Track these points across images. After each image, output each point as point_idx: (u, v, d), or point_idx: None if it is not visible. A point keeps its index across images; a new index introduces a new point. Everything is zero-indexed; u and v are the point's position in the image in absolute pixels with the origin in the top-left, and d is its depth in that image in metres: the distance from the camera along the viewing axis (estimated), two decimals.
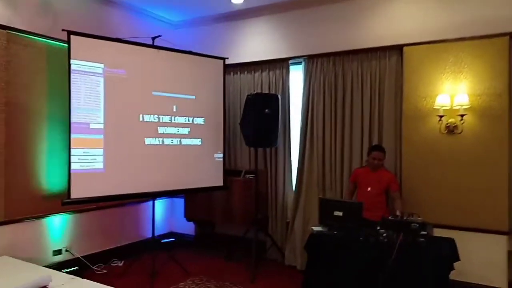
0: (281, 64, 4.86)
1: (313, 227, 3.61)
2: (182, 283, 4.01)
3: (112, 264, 4.52)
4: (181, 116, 4.26)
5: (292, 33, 4.77)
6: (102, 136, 3.72)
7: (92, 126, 3.67)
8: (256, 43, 5.01)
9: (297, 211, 4.65)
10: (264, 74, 5.00)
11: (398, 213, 3.39)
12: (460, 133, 3.80)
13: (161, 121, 4.11)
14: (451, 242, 3.44)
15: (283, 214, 4.82)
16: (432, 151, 3.94)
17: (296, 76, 4.85)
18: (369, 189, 3.87)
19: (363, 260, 3.26)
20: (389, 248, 3.14)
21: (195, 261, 4.77)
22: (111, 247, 4.62)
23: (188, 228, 5.39)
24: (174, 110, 4.22)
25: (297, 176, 4.69)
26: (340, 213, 3.49)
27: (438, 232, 3.55)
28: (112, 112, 3.79)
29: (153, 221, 4.13)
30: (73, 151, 3.55)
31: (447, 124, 3.84)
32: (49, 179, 3.93)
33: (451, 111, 3.80)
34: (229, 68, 5.16)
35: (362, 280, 3.23)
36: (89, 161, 3.64)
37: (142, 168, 3.97)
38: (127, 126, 3.88)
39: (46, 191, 3.90)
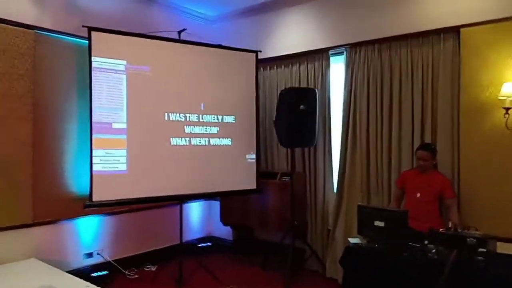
0: (320, 56, 4.43)
1: (350, 239, 3.16)
2: None
3: (145, 269, 4.39)
4: (209, 115, 4.02)
5: (332, 20, 4.32)
6: (125, 136, 3.59)
7: (114, 125, 3.55)
8: (292, 34, 4.62)
9: (338, 217, 4.19)
10: (302, 67, 4.60)
11: (450, 224, 2.83)
12: None
13: (188, 120, 3.90)
14: None
15: (324, 220, 4.39)
16: (497, 151, 3.29)
17: (338, 69, 4.40)
18: (418, 195, 3.33)
19: (407, 280, 2.76)
20: (440, 268, 2.62)
21: (229, 268, 4.51)
22: (144, 251, 4.50)
23: (226, 232, 5.15)
24: (202, 108, 3.98)
25: (338, 179, 4.24)
26: (381, 223, 3.01)
27: (503, 248, 2.93)
28: (136, 111, 3.63)
29: (181, 225, 3.92)
30: (95, 152, 3.45)
31: None
32: (78, 180, 3.87)
33: None
34: (264, 63, 4.84)
35: None
36: (111, 162, 3.52)
37: (168, 170, 3.78)
38: (152, 126, 3.71)
39: (76, 193, 3.84)
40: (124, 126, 3.58)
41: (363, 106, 4.08)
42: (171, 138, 3.80)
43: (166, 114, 3.79)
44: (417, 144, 3.67)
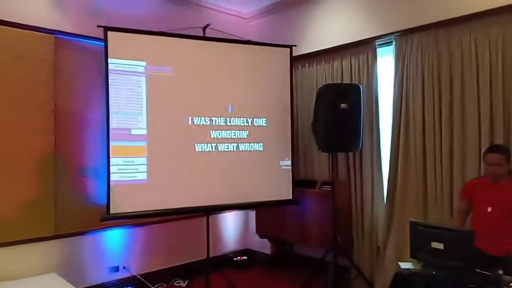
0: (365, 47, 3.88)
1: (401, 263, 2.59)
2: None
3: (175, 284, 4.10)
4: (238, 117, 3.63)
5: (376, 5, 3.77)
6: (145, 143, 3.30)
7: (133, 132, 3.28)
8: (331, 25, 4.12)
9: (389, 234, 3.61)
10: (344, 62, 4.08)
11: None
12: None
13: (214, 123, 3.54)
14: None
15: (372, 236, 3.81)
16: None
17: (387, 62, 3.82)
18: (489, 209, 2.68)
19: None
20: None
21: (264, 286, 4.07)
22: (174, 265, 4.21)
23: (264, 245, 4.72)
24: (230, 110, 3.61)
25: (388, 189, 3.65)
26: (440, 245, 2.42)
27: None
28: (156, 115, 3.34)
29: (208, 239, 3.55)
30: (112, 161, 3.19)
31: None
32: (103, 191, 3.64)
33: None
34: (302, 60, 4.39)
35: None
36: (130, 171, 3.25)
37: (192, 179, 3.44)
38: (174, 131, 3.40)
39: (100, 204, 3.62)
40: (144, 132, 3.30)
41: (417, 103, 3.47)
42: (195, 144, 3.46)
43: (189, 118, 3.46)
44: (485, 147, 3.00)
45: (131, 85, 3.28)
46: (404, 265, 2.54)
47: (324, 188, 3.96)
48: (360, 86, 3.69)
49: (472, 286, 2.22)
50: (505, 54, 3.02)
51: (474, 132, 3.15)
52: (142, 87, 3.31)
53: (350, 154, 3.96)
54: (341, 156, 4.01)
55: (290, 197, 3.81)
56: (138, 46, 3.32)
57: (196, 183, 3.45)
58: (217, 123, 3.55)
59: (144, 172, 3.29)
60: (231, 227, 4.79)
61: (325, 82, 4.15)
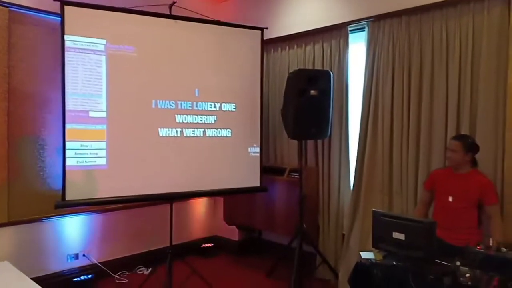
0: (337, 33, 3.80)
1: (362, 253, 2.58)
2: None
3: (137, 272, 4.00)
4: (205, 102, 3.50)
5: None
6: (104, 127, 3.14)
7: (92, 114, 3.10)
8: (305, 8, 4.00)
9: (354, 222, 3.60)
10: (317, 47, 3.99)
11: (491, 242, 2.19)
12: None
13: (179, 107, 3.40)
14: None
15: (338, 224, 3.80)
16: None
17: (359, 48, 3.75)
18: (450, 199, 2.70)
19: None
20: None
21: (230, 274, 4.03)
22: (137, 252, 4.09)
23: (232, 232, 4.66)
24: (197, 94, 3.47)
25: (355, 177, 3.63)
26: (401, 236, 2.41)
27: None
28: (117, 97, 3.17)
29: (171, 227, 3.45)
30: (68, 145, 3.01)
31: None
32: (60, 176, 3.47)
33: None
34: (274, 43, 4.28)
35: None
36: (88, 156, 3.08)
37: (155, 165, 3.31)
38: (136, 114, 3.24)
39: (57, 190, 3.45)
40: (103, 115, 3.13)
41: (387, 91, 3.44)
42: (159, 129, 3.32)
43: (153, 101, 3.30)
44: (451, 136, 3.00)
45: (90, 64, 3.08)
46: (365, 255, 2.53)
47: (292, 176, 3.91)
48: (331, 73, 3.63)
49: (431, 277, 2.22)
50: (475, 43, 3.00)
51: (441, 122, 3.14)
52: (102, 66, 3.12)
53: (319, 141, 3.92)
54: (310, 143, 3.96)
55: (258, 184, 3.74)
56: (98, 23, 3.11)
57: (160, 170, 3.32)
58: (183, 107, 3.41)
59: (104, 157, 3.13)
60: (198, 214, 4.71)
61: (298, 67, 4.06)
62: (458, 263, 2.16)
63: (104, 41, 3.13)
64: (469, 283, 2.10)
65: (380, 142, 3.47)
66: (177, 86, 3.39)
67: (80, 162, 3.06)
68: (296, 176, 3.81)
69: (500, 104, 2.86)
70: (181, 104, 3.41)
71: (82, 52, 3.06)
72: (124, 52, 3.20)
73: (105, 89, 3.13)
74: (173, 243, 3.49)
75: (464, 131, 2.97)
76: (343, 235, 3.73)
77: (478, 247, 2.19)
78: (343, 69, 3.77)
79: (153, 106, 3.30)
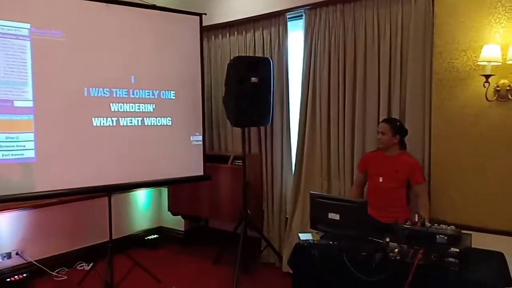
0: (276, 20, 3.82)
1: (301, 234, 2.64)
2: None
3: (78, 268, 3.84)
4: (142, 90, 3.39)
5: None
6: (32, 117, 2.94)
7: (17, 104, 2.89)
8: None
9: (296, 205, 3.69)
10: (257, 34, 3.99)
11: (417, 217, 2.34)
12: None
13: (114, 95, 3.26)
14: (498, 259, 2.36)
15: (282, 208, 3.88)
16: (475, 126, 2.81)
17: (298, 36, 3.80)
18: (381, 179, 2.84)
19: (364, 287, 2.27)
20: (402, 271, 2.14)
21: (177, 263, 4.00)
22: (76, 248, 3.93)
23: (178, 222, 4.59)
24: (133, 81, 3.35)
25: (296, 162, 3.71)
26: (336, 216, 2.50)
27: (482, 241, 2.48)
28: (45, 85, 2.98)
29: (110, 220, 3.35)
30: None
31: (497, 87, 2.68)
32: None
33: (503, 68, 2.64)
34: (215, 30, 4.24)
35: None
36: (14, 149, 2.88)
37: (90, 156, 3.16)
38: (67, 103, 3.07)
39: None
40: (30, 104, 2.93)
41: (324, 78, 3.52)
42: (93, 118, 3.17)
43: (85, 89, 3.14)
44: None
45: (13, 50, 2.86)
46: (304, 236, 2.59)
47: (236, 163, 3.92)
48: (271, 60, 3.65)
49: (363, 253, 2.33)
50: (404, 31, 3.14)
51: (374, 106, 3.28)
52: (26, 53, 2.91)
53: (262, 128, 3.95)
54: (254, 130, 3.99)
55: (202, 173, 3.70)
56: (20, 5, 2.89)
57: (96, 161, 3.18)
58: (118, 95, 3.27)
59: (32, 149, 2.94)
60: (142, 205, 4.59)
61: (239, 54, 4.04)
62: (387, 239, 2.27)
63: (28, 25, 2.91)
64: (398, 257, 2.22)
65: (318, 128, 3.56)
66: (111, 73, 3.24)
67: (5, 155, 2.85)
68: (240, 164, 3.82)
69: (427, 90, 3.03)
70: (116, 92, 3.27)
71: (3, 37, 2.83)
72: (51, 37, 3.00)
73: (31, 77, 2.93)
74: (116, 237, 3.40)
75: (395, 116, 3.12)
76: (287, 219, 3.81)
77: (406, 224, 2.33)
78: (283, 57, 3.80)
79: (85, 94, 3.14)
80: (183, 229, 4.58)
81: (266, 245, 3.80)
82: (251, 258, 3.81)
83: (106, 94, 3.22)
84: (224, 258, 3.88)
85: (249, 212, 3.63)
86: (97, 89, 3.18)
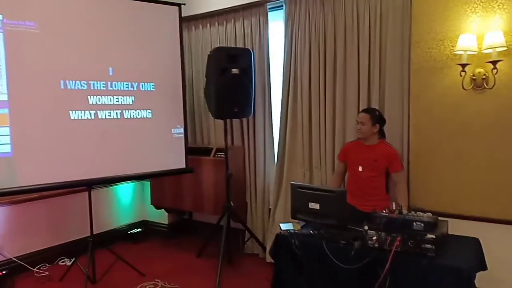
0: (257, 10, 3.80)
1: (282, 224, 2.66)
2: None
3: (60, 264, 3.79)
4: (121, 82, 3.34)
5: None
6: (6, 111, 2.88)
7: None
8: None
9: (279, 196, 3.70)
10: (238, 25, 3.96)
11: (394, 205, 2.37)
12: (492, 88, 2.68)
13: (92, 88, 3.21)
14: (474, 245, 2.42)
15: (265, 199, 3.90)
16: (452, 114, 2.85)
17: (279, 26, 3.78)
18: (360, 168, 2.87)
19: (345, 275, 2.30)
20: (381, 258, 2.17)
21: (160, 257, 3.98)
22: (58, 244, 3.88)
23: (161, 216, 4.57)
24: (111, 73, 3.29)
25: (278, 153, 3.72)
26: (316, 206, 2.52)
27: (459, 227, 2.55)
28: (20, 78, 2.92)
29: (90, 214, 3.31)
30: None
31: (473, 76, 2.72)
32: None
33: (479, 57, 2.67)
34: (195, 21, 4.20)
35: None
36: None
37: (68, 150, 3.11)
38: (43, 97, 3.01)
39: None
40: (4, 98, 2.86)
41: (305, 68, 3.52)
42: (70, 112, 3.12)
43: (62, 81, 3.08)
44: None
45: None
46: (285, 226, 2.61)
47: (219, 155, 3.90)
48: (252, 51, 3.63)
49: (343, 242, 2.36)
50: (383, 21, 3.15)
51: (354, 96, 3.29)
52: None
53: (244, 120, 3.93)
54: (236, 122, 3.98)
55: (184, 165, 3.69)
56: None
57: (74, 155, 3.14)
58: (96, 88, 3.22)
59: (8, 144, 2.88)
60: (126, 199, 4.55)
61: (220, 45, 4.00)
62: (366, 227, 2.31)
63: (0, 17, 2.83)
64: (376, 245, 2.26)
65: (300, 119, 3.56)
66: (88, 65, 3.19)
67: None
68: (222, 156, 3.81)
69: (405, 80, 3.05)
70: (93, 84, 3.22)
71: None
72: (24, 29, 2.92)
73: (5, 69, 2.86)
74: (100, 231, 3.36)
75: (375, 105, 3.14)
76: (270, 209, 3.83)
77: (384, 212, 2.36)
78: (264, 47, 3.79)
79: (62, 87, 3.08)
80: (167, 223, 4.56)
81: (250, 236, 3.82)
82: (235, 249, 3.83)
83: (84, 86, 3.17)
84: (208, 250, 3.88)
85: (232, 204, 3.63)
86: (74, 81, 3.13)
